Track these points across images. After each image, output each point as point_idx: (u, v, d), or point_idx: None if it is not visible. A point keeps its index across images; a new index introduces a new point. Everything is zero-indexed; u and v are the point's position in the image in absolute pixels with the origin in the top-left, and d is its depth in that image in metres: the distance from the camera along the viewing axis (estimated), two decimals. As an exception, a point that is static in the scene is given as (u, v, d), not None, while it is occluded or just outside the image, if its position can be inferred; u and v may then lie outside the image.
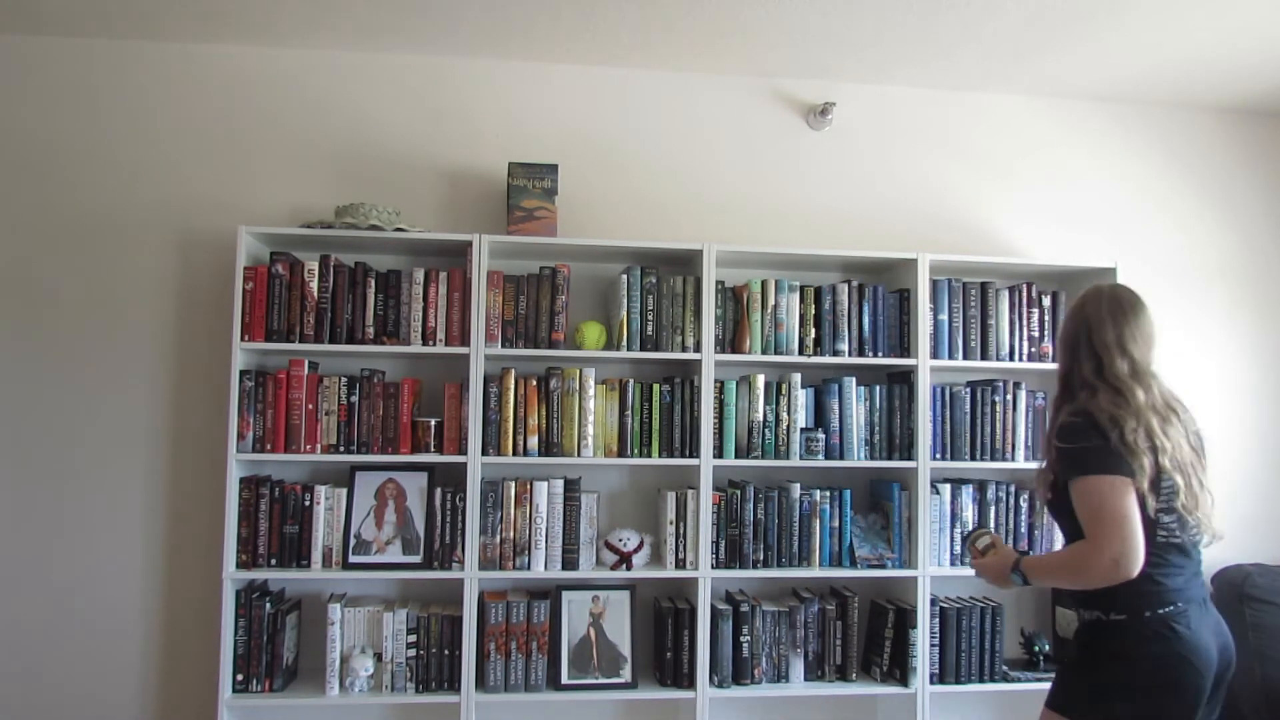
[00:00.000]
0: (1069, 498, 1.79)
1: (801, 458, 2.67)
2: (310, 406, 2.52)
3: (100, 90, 2.76)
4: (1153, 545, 1.75)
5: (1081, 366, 1.89)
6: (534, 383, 2.60)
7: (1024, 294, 2.84)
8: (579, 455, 2.59)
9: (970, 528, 2.71)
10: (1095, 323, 1.89)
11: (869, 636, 2.79)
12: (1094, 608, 1.82)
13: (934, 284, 2.76)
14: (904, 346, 2.76)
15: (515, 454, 2.57)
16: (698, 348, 2.64)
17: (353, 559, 2.53)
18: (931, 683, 2.66)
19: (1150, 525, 1.75)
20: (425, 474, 2.61)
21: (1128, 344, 1.86)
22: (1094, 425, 1.78)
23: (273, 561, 2.51)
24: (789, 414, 2.69)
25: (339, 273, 2.56)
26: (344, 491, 2.57)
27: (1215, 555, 3.04)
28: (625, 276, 2.64)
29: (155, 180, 2.75)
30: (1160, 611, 1.76)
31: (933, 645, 2.69)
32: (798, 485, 2.70)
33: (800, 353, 2.71)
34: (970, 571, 2.72)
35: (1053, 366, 2.80)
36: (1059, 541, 2.77)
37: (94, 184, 2.74)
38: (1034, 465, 2.80)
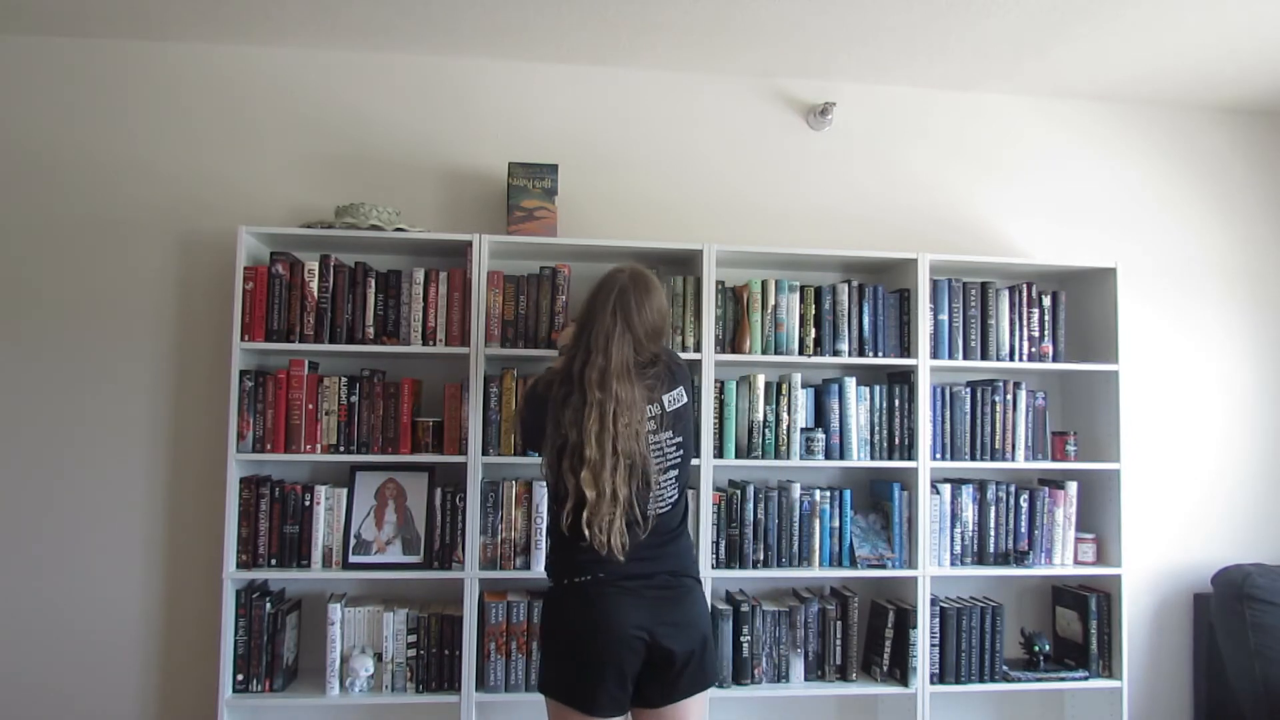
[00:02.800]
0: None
1: (801, 458, 2.67)
2: (310, 406, 2.52)
3: (99, 90, 2.76)
4: (575, 525, 1.85)
5: (571, 350, 1.94)
6: (534, 383, 2.61)
7: (1024, 294, 2.83)
8: (579, 455, 2.59)
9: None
10: (598, 314, 1.92)
11: (869, 636, 2.79)
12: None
13: (934, 284, 2.76)
14: (904, 346, 2.76)
15: (515, 454, 2.57)
16: (698, 348, 2.64)
17: (353, 559, 2.53)
18: (931, 683, 2.66)
19: (575, 507, 1.86)
20: (425, 474, 2.61)
21: (612, 345, 1.88)
22: (539, 394, 1.95)
23: (273, 561, 2.51)
24: (789, 414, 2.68)
25: (339, 273, 2.56)
26: (344, 491, 2.57)
27: (1215, 555, 3.05)
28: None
29: (155, 180, 2.75)
30: (576, 580, 1.89)
31: (933, 645, 2.69)
32: (798, 485, 2.70)
33: (800, 353, 2.71)
34: (971, 571, 2.75)
35: (1054, 366, 2.83)
36: (1059, 544, 2.80)
37: (94, 184, 2.74)
38: (1035, 465, 2.81)
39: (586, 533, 1.82)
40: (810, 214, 2.99)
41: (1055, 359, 2.84)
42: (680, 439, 1.97)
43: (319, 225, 2.53)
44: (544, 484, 2.56)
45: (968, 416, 2.77)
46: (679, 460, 1.97)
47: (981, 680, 2.71)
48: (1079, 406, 2.95)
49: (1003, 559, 2.78)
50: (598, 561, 1.86)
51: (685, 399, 2.00)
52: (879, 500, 2.82)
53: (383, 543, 2.56)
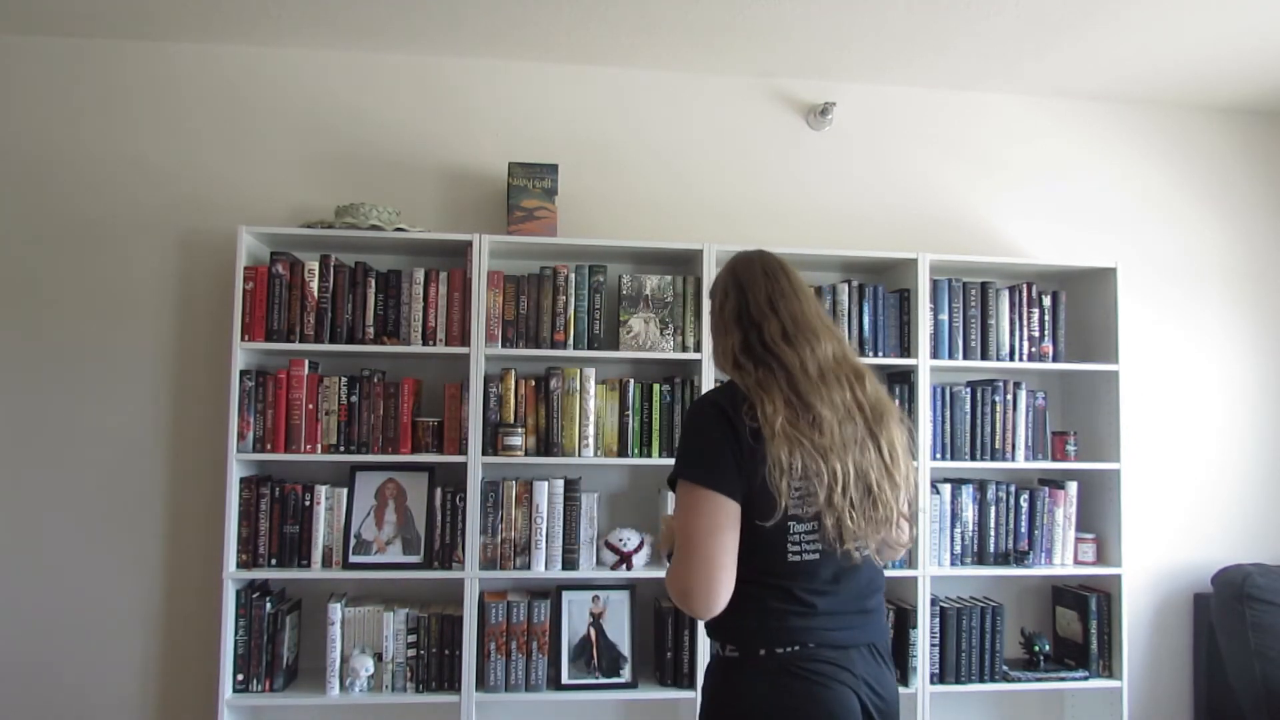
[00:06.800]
0: None
1: (801, 458, 2.67)
2: (310, 406, 2.52)
3: (99, 90, 2.76)
4: (778, 564, 1.41)
5: (731, 341, 1.54)
6: (533, 383, 2.61)
7: (1024, 294, 2.83)
8: (579, 455, 2.59)
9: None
10: (749, 288, 1.55)
11: (869, 636, 2.79)
12: (716, 638, 1.49)
13: (934, 284, 2.76)
14: (904, 346, 2.76)
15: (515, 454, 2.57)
16: (698, 348, 2.64)
17: (353, 559, 2.53)
18: (931, 683, 2.66)
19: (773, 538, 1.40)
20: (425, 474, 2.61)
21: (778, 302, 1.52)
22: (718, 411, 1.45)
23: (273, 561, 2.51)
24: (789, 414, 2.68)
25: (339, 273, 2.56)
26: (344, 491, 2.57)
27: (1215, 555, 3.05)
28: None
29: (155, 180, 2.75)
30: (779, 651, 1.40)
31: (933, 645, 2.69)
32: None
33: (800, 353, 2.70)
34: (971, 571, 2.75)
35: (1054, 366, 2.83)
36: (1059, 544, 2.80)
37: (94, 184, 2.73)
38: (1035, 465, 2.81)
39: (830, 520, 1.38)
40: (810, 214, 2.99)
41: (1055, 359, 2.84)
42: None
43: (319, 225, 2.53)
44: (544, 482, 2.57)
45: (968, 416, 2.77)
46: None
47: (981, 680, 2.71)
48: (1079, 406, 2.95)
49: (1003, 559, 2.78)
50: (805, 618, 1.41)
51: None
52: (879, 500, 2.81)
53: (383, 543, 2.56)
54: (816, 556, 1.42)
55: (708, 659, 2.51)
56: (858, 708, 1.40)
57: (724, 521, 1.39)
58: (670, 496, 2.62)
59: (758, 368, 1.47)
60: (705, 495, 1.40)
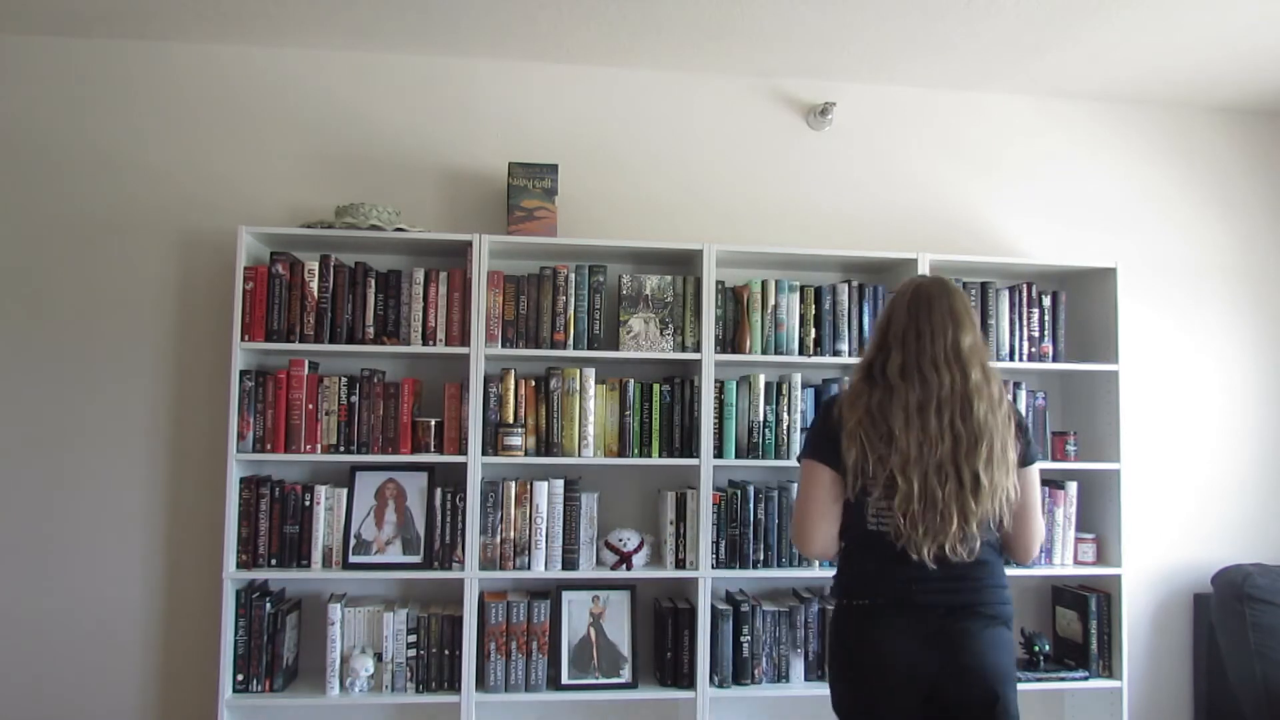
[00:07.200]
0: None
1: (801, 458, 2.67)
2: (310, 406, 2.52)
3: (99, 90, 2.76)
4: (860, 532, 1.80)
5: (865, 358, 1.88)
6: (533, 383, 2.61)
7: (1024, 294, 2.83)
8: (579, 455, 2.59)
9: None
10: (893, 318, 1.84)
11: (869, 636, 2.79)
12: (831, 592, 1.93)
13: (934, 284, 2.75)
14: (904, 346, 2.75)
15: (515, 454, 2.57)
16: (697, 348, 2.64)
17: (353, 559, 2.53)
18: (931, 683, 2.66)
19: (858, 510, 1.79)
20: (425, 474, 2.61)
21: (909, 339, 1.79)
22: (826, 407, 1.89)
23: (273, 561, 2.51)
24: (789, 414, 2.68)
25: (339, 273, 2.56)
26: (344, 491, 2.57)
27: (1215, 555, 3.05)
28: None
29: (155, 180, 2.76)
30: (856, 602, 1.80)
31: (933, 645, 2.69)
32: (798, 485, 2.69)
33: (800, 353, 2.71)
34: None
35: (1054, 366, 2.83)
36: (1059, 544, 2.80)
37: (94, 184, 2.73)
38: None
39: (901, 524, 1.70)
40: (810, 214, 2.99)
41: (1055, 359, 2.84)
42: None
43: (319, 225, 2.53)
44: (544, 483, 2.57)
45: (968, 416, 2.77)
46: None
47: (981, 680, 2.71)
48: (1079, 406, 2.94)
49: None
50: (882, 580, 1.76)
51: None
52: (879, 500, 2.81)
53: (383, 543, 2.56)
54: (892, 529, 1.74)
55: (708, 658, 2.54)
56: (928, 659, 1.70)
57: (821, 481, 1.82)
58: (670, 495, 2.63)
59: (863, 384, 1.81)
60: (808, 464, 1.85)
